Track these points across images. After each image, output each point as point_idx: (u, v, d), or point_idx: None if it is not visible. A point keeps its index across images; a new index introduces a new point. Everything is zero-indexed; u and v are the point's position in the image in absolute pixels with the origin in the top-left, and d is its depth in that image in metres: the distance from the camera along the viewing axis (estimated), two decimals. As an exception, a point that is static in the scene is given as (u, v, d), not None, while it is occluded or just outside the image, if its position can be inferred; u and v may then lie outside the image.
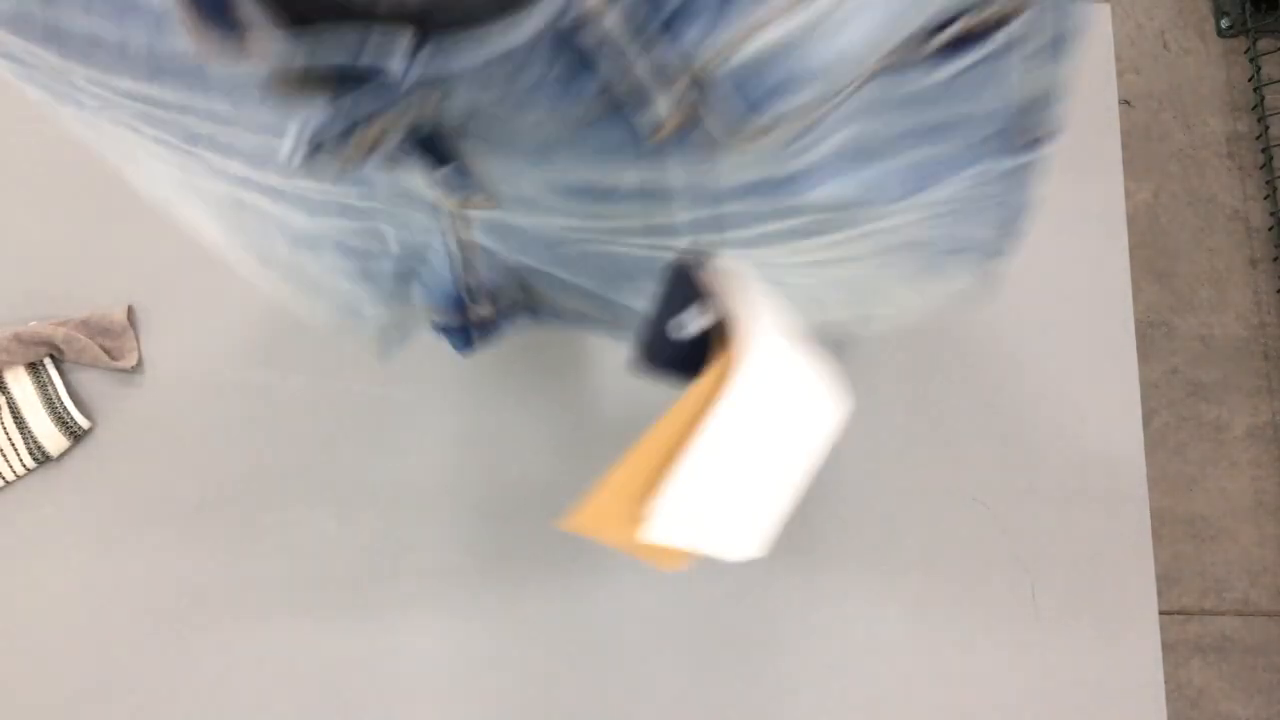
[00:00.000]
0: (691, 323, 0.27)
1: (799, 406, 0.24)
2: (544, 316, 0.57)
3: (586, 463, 0.98)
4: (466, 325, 0.55)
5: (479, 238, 0.46)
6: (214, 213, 0.51)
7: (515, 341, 0.99)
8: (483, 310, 0.53)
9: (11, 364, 0.97)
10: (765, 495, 0.26)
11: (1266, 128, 1.85)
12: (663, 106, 0.31)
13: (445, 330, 0.55)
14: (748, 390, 0.24)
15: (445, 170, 0.37)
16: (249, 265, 0.54)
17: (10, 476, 0.96)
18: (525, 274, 0.49)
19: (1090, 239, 1.05)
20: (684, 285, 0.27)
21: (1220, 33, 1.93)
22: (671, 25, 0.29)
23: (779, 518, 0.27)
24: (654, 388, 0.91)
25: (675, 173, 0.31)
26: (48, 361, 0.98)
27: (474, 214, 0.43)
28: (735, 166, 0.33)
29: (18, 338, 0.96)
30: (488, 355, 0.98)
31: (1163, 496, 1.70)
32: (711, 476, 0.25)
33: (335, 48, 0.28)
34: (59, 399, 0.96)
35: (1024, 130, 0.43)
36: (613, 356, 0.99)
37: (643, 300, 0.43)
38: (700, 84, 0.30)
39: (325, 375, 1.00)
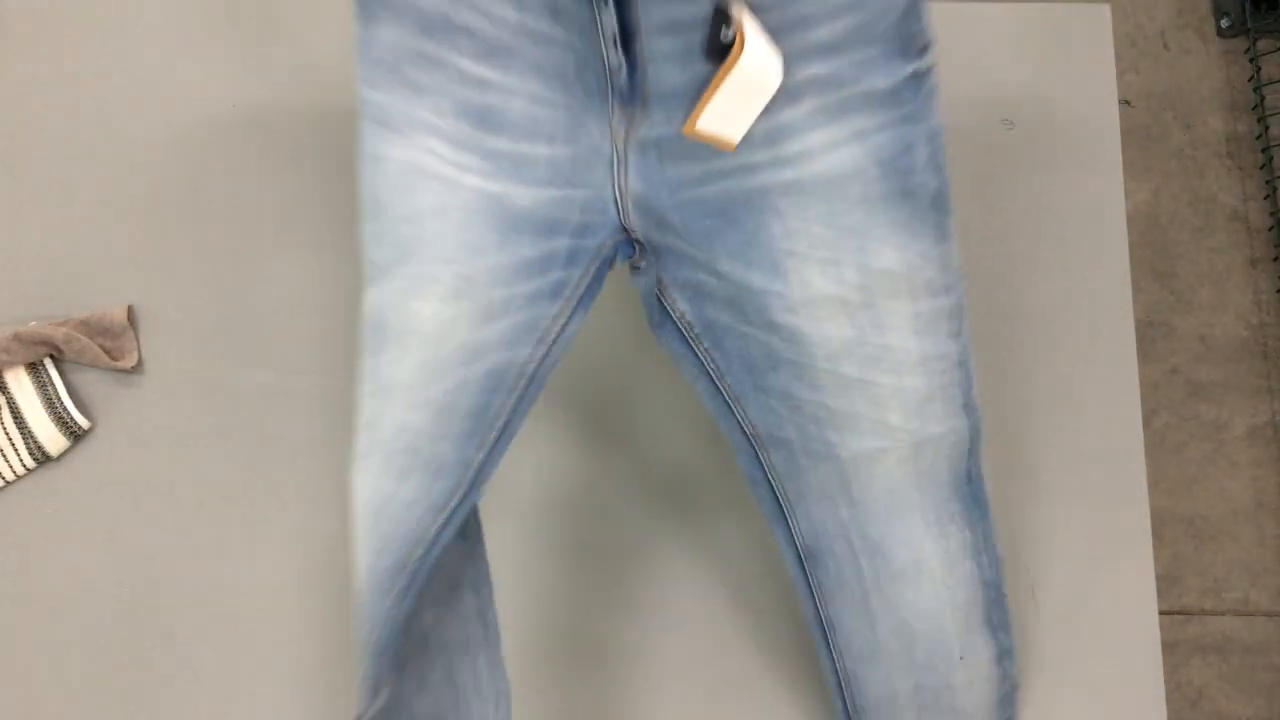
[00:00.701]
0: (726, 33, 0.60)
1: (764, 64, 0.61)
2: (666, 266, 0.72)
3: (585, 460, 0.98)
4: (628, 240, 0.71)
5: (634, 183, 0.68)
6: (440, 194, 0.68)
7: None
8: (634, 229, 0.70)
9: (11, 364, 0.97)
10: (747, 103, 0.62)
11: (1266, 128, 1.85)
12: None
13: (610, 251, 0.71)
14: (750, 54, 0.60)
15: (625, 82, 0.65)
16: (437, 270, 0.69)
17: (10, 476, 0.96)
18: (661, 217, 0.69)
19: (1090, 239, 1.05)
20: (722, 16, 0.60)
21: (1220, 33, 1.93)
22: None
23: (755, 111, 0.63)
24: (653, 396, 0.91)
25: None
26: (48, 361, 0.98)
27: (634, 149, 0.67)
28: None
29: (18, 338, 0.96)
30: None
31: (1163, 496, 1.70)
32: (728, 95, 0.61)
33: None
34: (59, 399, 0.96)
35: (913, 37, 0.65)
36: (607, 358, 0.99)
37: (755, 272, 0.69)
38: None
39: (325, 375, 1.00)
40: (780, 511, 0.77)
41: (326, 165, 1.06)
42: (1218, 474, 1.72)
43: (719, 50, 0.62)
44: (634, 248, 0.70)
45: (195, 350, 1.01)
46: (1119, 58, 1.91)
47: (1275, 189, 1.82)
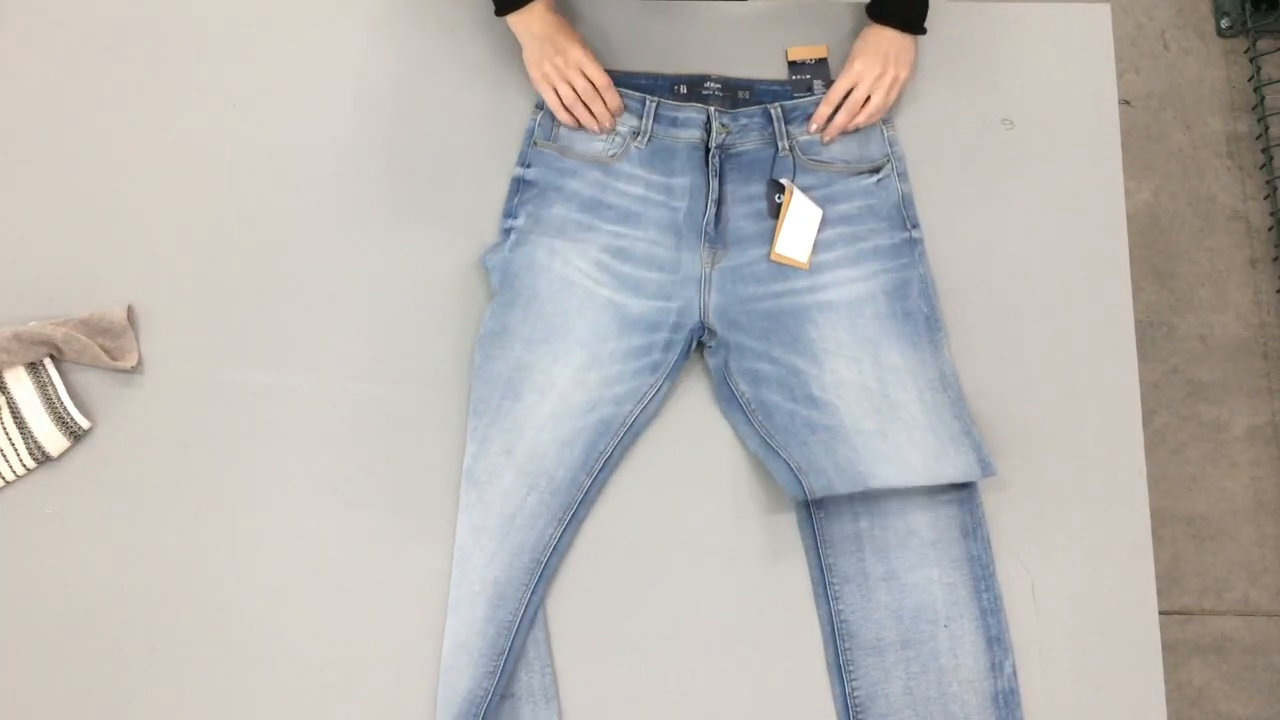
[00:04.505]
0: (776, 195, 1.03)
1: (809, 210, 1.01)
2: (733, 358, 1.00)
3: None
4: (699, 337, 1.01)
5: (714, 297, 1.01)
6: (577, 300, 1.00)
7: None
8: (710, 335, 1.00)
9: (11, 364, 0.97)
10: (807, 235, 1.01)
11: (1266, 128, 1.85)
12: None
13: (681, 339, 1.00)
14: (796, 202, 1.01)
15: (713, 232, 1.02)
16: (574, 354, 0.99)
17: (10, 476, 0.96)
18: (732, 321, 1.00)
19: (1090, 239, 1.05)
20: (776, 185, 1.03)
21: (1220, 33, 1.93)
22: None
23: (812, 241, 1.01)
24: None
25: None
26: (48, 361, 0.98)
27: (713, 272, 1.01)
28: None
29: (18, 338, 0.96)
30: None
31: (1163, 496, 1.70)
32: (791, 230, 1.01)
33: None
34: (59, 399, 0.96)
35: (905, 216, 1.04)
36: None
37: (798, 356, 1.00)
38: None
39: (325, 375, 1.00)
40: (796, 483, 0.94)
41: (328, 164, 1.06)
42: (1218, 474, 1.72)
43: (776, 209, 1.02)
44: (708, 335, 1.00)
45: (195, 350, 1.01)
46: (1119, 58, 1.91)
47: (1275, 189, 1.82)
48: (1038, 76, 1.10)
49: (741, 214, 1.03)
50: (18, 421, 0.96)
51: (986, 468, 0.94)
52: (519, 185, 1.04)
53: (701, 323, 1.00)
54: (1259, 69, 1.87)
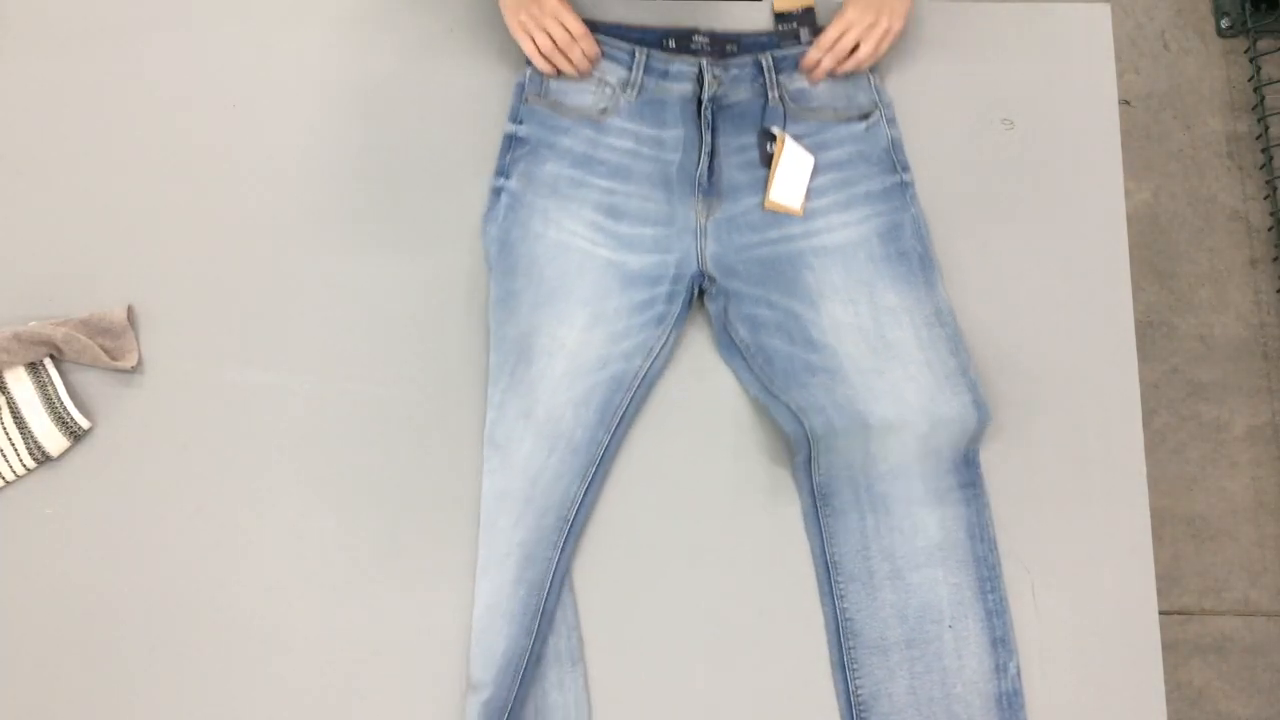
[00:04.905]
0: (768, 144, 1.03)
1: (801, 157, 1.03)
2: (733, 306, 1.01)
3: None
4: (699, 286, 1.02)
5: (711, 246, 1.02)
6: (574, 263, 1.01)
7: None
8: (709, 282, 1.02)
9: (11, 364, 0.97)
10: (799, 182, 1.02)
11: (1266, 128, 1.85)
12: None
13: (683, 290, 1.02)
14: (788, 149, 1.02)
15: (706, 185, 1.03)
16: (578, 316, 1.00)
17: (10, 476, 0.96)
18: (730, 270, 1.01)
19: (1090, 239, 1.05)
20: (767, 135, 1.03)
21: (1220, 33, 1.93)
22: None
23: (805, 187, 1.02)
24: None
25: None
26: (48, 361, 0.98)
27: (708, 223, 1.02)
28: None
29: (18, 338, 0.96)
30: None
31: (1163, 496, 1.70)
32: (784, 178, 1.02)
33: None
34: (59, 399, 0.96)
35: (896, 160, 1.05)
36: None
37: (798, 302, 1.01)
38: None
39: (325, 375, 1.00)
40: (807, 460, 0.97)
41: (328, 164, 1.06)
42: (1218, 474, 1.72)
43: (768, 159, 1.03)
44: (708, 282, 1.02)
45: (195, 350, 1.01)
46: (1119, 58, 1.91)
47: (1275, 189, 1.82)
48: (1038, 76, 1.10)
49: (734, 164, 1.04)
50: (18, 421, 0.96)
51: (981, 410, 0.96)
52: (511, 142, 1.04)
53: (701, 271, 1.01)
54: (1259, 69, 1.87)
